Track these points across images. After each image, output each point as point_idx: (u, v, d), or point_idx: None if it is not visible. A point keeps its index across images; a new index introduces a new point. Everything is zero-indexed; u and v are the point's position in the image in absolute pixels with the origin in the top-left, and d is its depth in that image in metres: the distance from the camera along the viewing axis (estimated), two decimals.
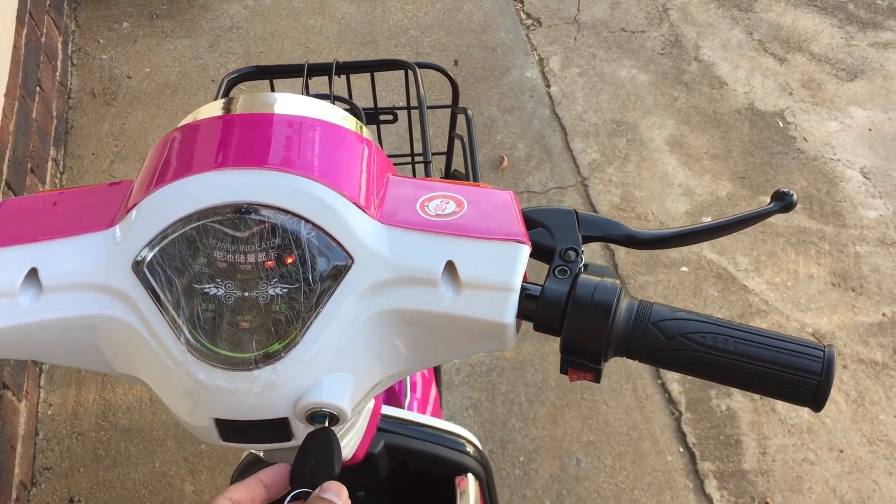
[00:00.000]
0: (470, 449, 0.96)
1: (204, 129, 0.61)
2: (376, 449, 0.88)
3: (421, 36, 2.84)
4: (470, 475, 0.94)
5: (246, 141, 0.59)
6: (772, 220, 2.27)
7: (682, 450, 1.85)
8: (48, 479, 1.78)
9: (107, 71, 2.68)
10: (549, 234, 0.60)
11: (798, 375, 0.53)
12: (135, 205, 0.57)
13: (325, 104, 0.65)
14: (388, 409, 0.93)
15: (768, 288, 2.14)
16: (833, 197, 2.36)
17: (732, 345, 0.53)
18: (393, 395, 1.17)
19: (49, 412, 1.89)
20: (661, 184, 2.39)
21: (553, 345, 2.01)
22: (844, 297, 2.12)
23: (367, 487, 0.96)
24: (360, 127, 0.66)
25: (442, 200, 0.60)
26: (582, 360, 0.56)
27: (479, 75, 2.70)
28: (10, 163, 1.96)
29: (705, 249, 2.22)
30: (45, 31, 2.48)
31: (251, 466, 0.92)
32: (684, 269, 2.18)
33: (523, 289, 0.56)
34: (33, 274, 0.57)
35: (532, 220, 0.61)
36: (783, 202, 0.63)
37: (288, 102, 0.64)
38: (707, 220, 2.26)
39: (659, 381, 1.96)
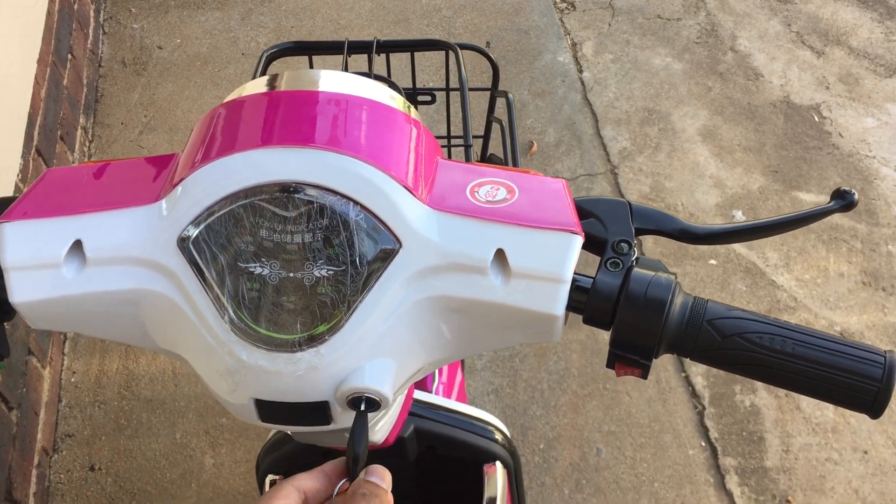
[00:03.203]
0: (499, 437, 0.95)
1: (249, 105, 0.60)
2: (406, 433, 0.87)
3: (453, 16, 2.81)
4: (498, 463, 0.93)
5: (294, 118, 0.57)
6: None
7: (703, 444, 1.83)
8: (69, 447, 1.80)
9: (138, 40, 2.68)
10: (601, 225, 0.59)
11: (857, 381, 0.51)
12: (181, 180, 0.56)
13: (373, 82, 0.64)
14: (418, 394, 0.92)
15: (797, 284, 2.11)
16: (867, 195, 2.33)
17: (790, 346, 0.52)
18: (420, 380, 1.16)
19: (72, 380, 1.90)
20: (691, 175, 2.36)
21: (576, 333, 2.00)
22: (874, 297, 2.09)
23: (394, 471, 0.96)
24: (409, 107, 0.65)
25: (493, 187, 0.59)
26: (632, 356, 0.55)
27: (511, 58, 2.67)
28: (41, 129, 1.96)
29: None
30: None
31: (281, 444, 0.92)
32: (713, 262, 2.15)
33: (574, 280, 0.55)
34: (77, 246, 0.56)
35: (584, 211, 0.60)
36: (844, 201, 0.61)
37: (334, 80, 0.62)
38: (738, 213, 2.23)
39: (683, 374, 1.95)
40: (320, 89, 0.61)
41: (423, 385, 1.16)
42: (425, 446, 0.91)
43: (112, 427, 1.82)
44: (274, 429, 0.78)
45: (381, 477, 0.56)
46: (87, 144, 2.34)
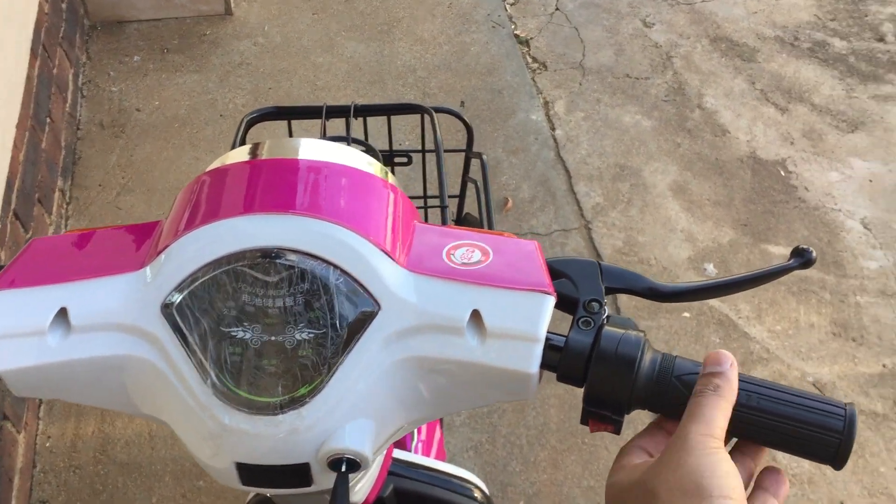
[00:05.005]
0: (477, 494, 0.96)
1: (232, 173, 0.62)
2: (385, 493, 0.88)
3: (428, 77, 2.87)
4: None
5: (274, 186, 0.60)
6: None
7: None
8: None
9: (116, 103, 2.71)
10: (572, 285, 0.61)
11: (820, 433, 0.53)
12: (165, 247, 0.58)
13: (351, 150, 0.66)
14: (397, 453, 0.93)
15: (769, 336, 2.15)
16: (834, 247, 2.38)
17: (755, 401, 0.54)
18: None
19: (47, 444, 1.87)
20: (663, 229, 2.41)
21: (554, 388, 2.01)
22: (845, 348, 2.13)
23: None
24: (386, 173, 0.67)
25: (468, 249, 0.61)
26: (604, 412, 0.56)
27: (485, 117, 2.73)
28: (19, 193, 1.97)
29: None
30: (56, 62, 2.50)
31: None
32: (686, 314, 2.18)
33: (547, 339, 0.57)
34: (62, 314, 0.57)
35: (555, 271, 0.62)
36: (803, 258, 0.63)
37: (314, 148, 0.64)
38: (709, 266, 2.27)
39: None
40: (300, 157, 0.63)
41: (402, 443, 1.16)
42: None
43: (87, 492, 1.79)
44: (254, 492, 0.79)
45: None
46: (65, 207, 2.35)
